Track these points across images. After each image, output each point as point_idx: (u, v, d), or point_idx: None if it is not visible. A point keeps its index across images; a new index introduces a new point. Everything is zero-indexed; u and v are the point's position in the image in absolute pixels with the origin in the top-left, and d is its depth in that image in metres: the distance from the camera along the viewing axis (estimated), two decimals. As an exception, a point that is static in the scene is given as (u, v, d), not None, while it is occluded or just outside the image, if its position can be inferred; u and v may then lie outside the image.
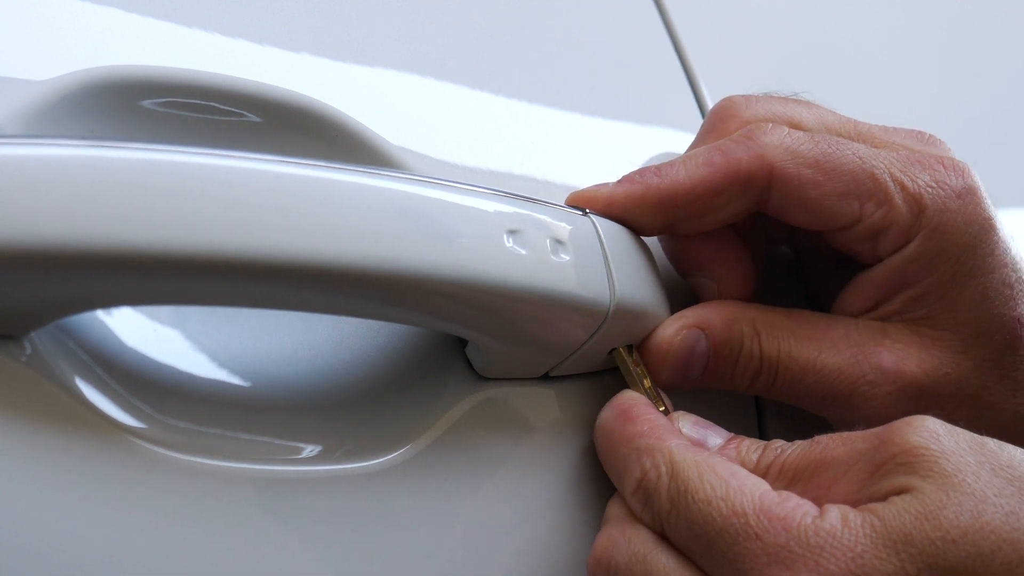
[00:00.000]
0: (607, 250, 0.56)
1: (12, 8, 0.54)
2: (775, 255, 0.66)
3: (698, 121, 0.67)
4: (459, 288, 0.52)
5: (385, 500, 0.54)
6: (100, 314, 0.53)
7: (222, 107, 0.56)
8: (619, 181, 0.59)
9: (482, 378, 0.57)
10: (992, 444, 0.51)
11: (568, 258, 0.55)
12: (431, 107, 0.62)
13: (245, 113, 0.56)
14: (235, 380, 0.55)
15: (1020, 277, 0.59)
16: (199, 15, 0.58)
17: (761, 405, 0.64)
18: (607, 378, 0.59)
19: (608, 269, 0.56)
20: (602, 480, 0.57)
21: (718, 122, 0.60)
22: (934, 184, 0.58)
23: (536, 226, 0.54)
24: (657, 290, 0.59)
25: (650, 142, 0.67)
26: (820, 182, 0.57)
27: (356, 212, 0.51)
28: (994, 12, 0.85)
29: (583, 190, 0.59)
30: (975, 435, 0.52)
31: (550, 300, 0.54)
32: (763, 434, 0.63)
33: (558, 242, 0.55)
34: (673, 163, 0.58)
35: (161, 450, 0.51)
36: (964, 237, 0.57)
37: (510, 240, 0.54)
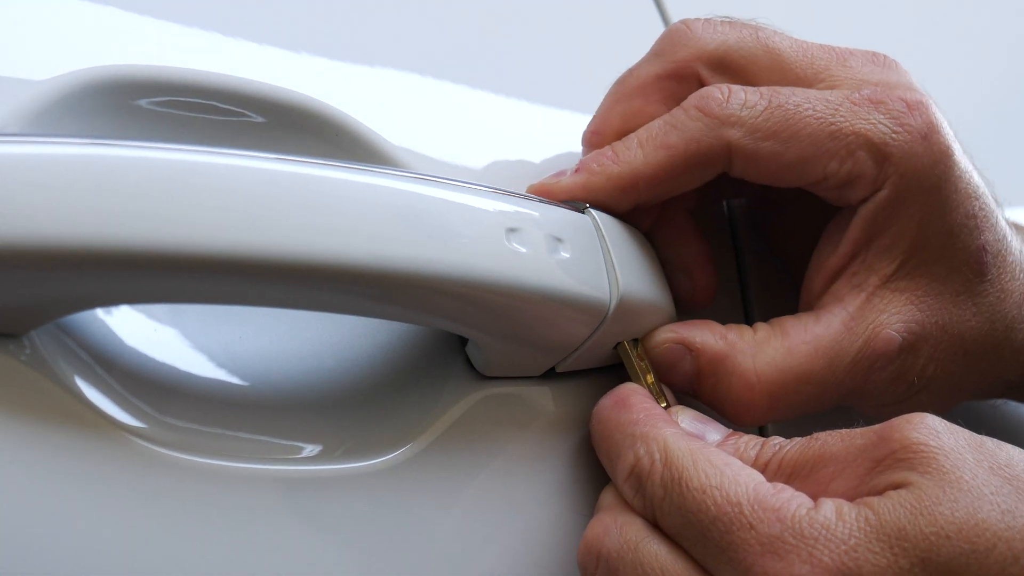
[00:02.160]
0: (609, 245, 0.56)
1: (12, 8, 0.54)
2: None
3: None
4: (458, 286, 0.52)
5: (385, 499, 0.54)
6: (100, 314, 0.53)
7: (222, 106, 0.56)
8: (576, 170, 0.58)
9: (482, 377, 0.57)
10: (990, 443, 0.51)
11: (567, 256, 0.55)
12: (431, 107, 0.62)
13: (246, 112, 0.56)
14: (235, 380, 0.55)
15: (983, 204, 0.59)
16: (199, 15, 0.58)
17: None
18: (608, 376, 0.59)
19: (610, 264, 0.56)
20: (602, 478, 0.57)
21: (669, 45, 0.60)
22: (898, 128, 0.57)
23: (535, 224, 0.54)
24: (660, 284, 0.59)
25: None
26: (780, 152, 0.57)
27: (355, 210, 0.51)
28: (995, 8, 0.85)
29: (541, 182, 0.59)
30: (974, 434, 0.52)
31: (549, 298, 0.54)
32: (762, 433, 0.63)
33: (557, 240, 0.55)
34: (629, 145, 0.58)
35: (161, 450, 0.51)
36: (929, 179, 0.57)
37: (509, 238, 0.54)
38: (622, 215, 0.58)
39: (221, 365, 0.55)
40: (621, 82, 0.60)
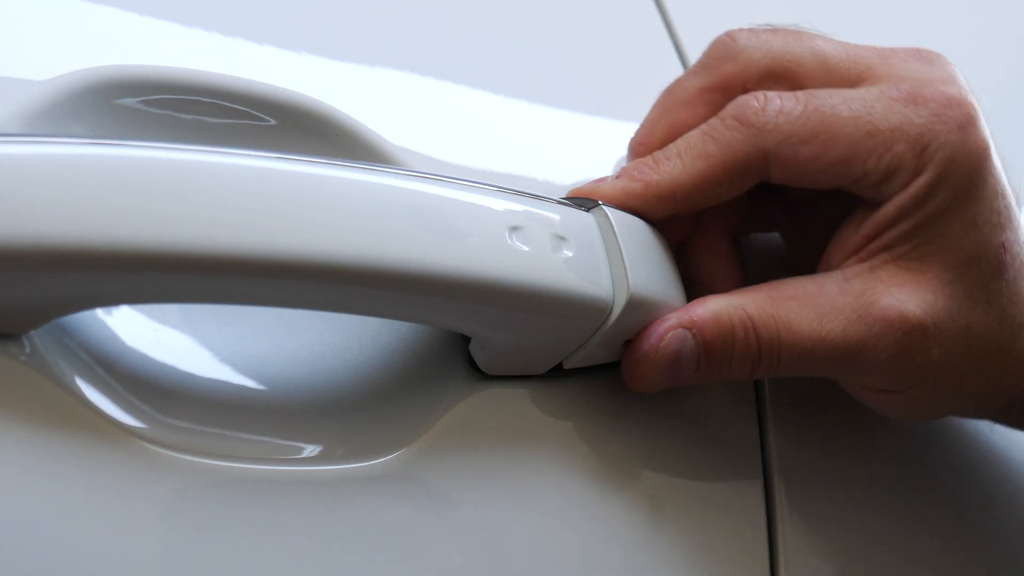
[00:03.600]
0: (620, 242, 0.56)
1: (12, 8, 0.54)
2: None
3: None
4: (461, 284, 0.52)
5: (387, 500, 0.54)
6: (100, 314, 0.53)
7: (224, 105, 0.56)
8: (617, 176, 0.59)
9: (484, 378, 0.57)
10: None
11: (570, 254, 0.55)
12: (431, 107, 0.62)
13: (247, 112, 0.56)
14: (235, 380, 0.55)
15: (1008, 203, 0.59)
16: (200, 15, 0.58)
17: (761, 399, 0.64)
18: (611, 377, 0.59)
19: (621, 260, 0.56)
20: (605, 478, 0.57)
21: (712, 61, 0.60)
22: (935, 120, 0.58)
23: (538, 222, 0.54)
24: (674, 281, 0.59)
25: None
26: (819, 154, 0.57)
27: (357, 209, 0.51)
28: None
29: (583, 187, 0.59)
30: None
31: (552, 296, 0.54)
32: (762, 433, 0.63)
33: (560, 239, 0.55)
34: (669, 155, 0.58)
35: (161, 450, 0.51)
36: (962, 169, 0.58)
37: (512, 237, 0.54)
38: (658, 224, 0.59)
39: (222, 366, 0.55)
40: (668, 93, 0.61)
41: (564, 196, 0.58)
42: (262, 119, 0.57)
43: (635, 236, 0.57)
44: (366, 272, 0.51)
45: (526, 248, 0.54)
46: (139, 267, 0.48)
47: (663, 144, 0.60)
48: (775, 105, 0.58)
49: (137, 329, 0.54)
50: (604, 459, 0.59)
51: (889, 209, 0.58)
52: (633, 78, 0.69)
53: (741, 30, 0.61)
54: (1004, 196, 0.59)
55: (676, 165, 0.58)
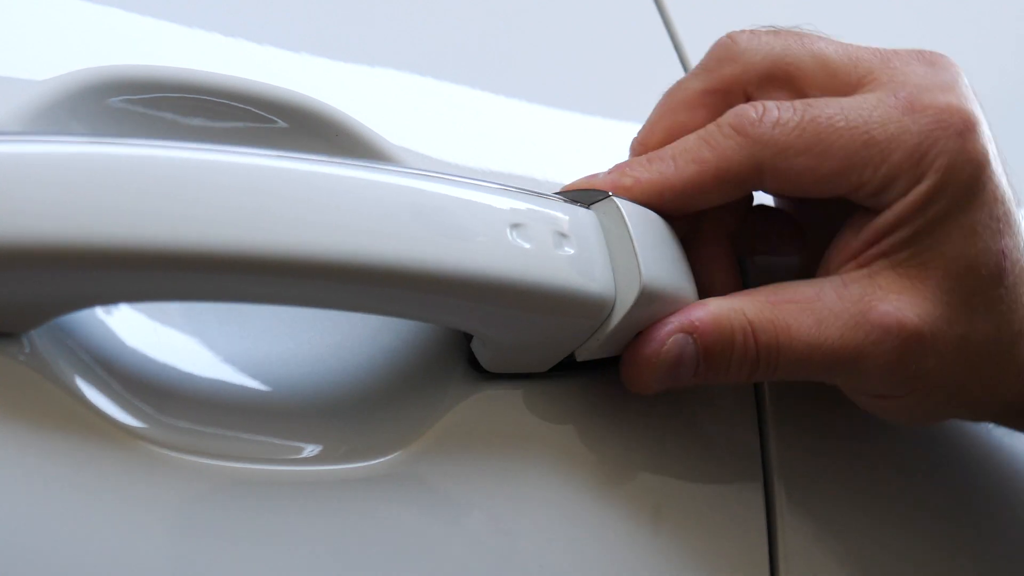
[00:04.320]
0: (632, 233, 0.56)
1: (12, 8, 0.54)
2: None
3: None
4: (461, 283, 0.52)
5: (387, 500, 0.54)
6: (100, 314, 0.53)
7: (222, 105, 0.56)
8: (609, 171, 0.59)
9: (484, 378, 0.57)
10: None
11: (572, 251, 0.55)
12: (431, 107, 0.62)
13: (249, 111, 0.56)
14: (235, 380, 0.55)
15: (1008, 209, 0.59)
16: (200, 15, 0.58)
17: (761, 400, 0.64)
18: (611, 377, 0.59)
19: (633, 252, 0.56)
20: (606, 479, 0.57)
21: (713, 63, 0.60)
22: (933, 125, 0.58)
23: (539, 220, 0.54)
24: (686, 274, 0.59)
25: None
26: (814, 166, 0.57)
27: (357, 207, 0.51)
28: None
29: (576, 182, 0.59)
30: None
31: (553, 294, 0.54)
32: (762, 434, 0.63)
33: (562, 235, 0.55)
34: (663, 156, 0.58)
35: (161, 450, 0.51)
36: (961, 176, 0.58)
37: (513, 234, 0.54)
38: None
39: (222, 366, 0.55)
40: (669, 95, 0.61)
41: (558, 192, 0.58)
42: (262, 119, 0.57)
43: (648, 228, 0.57)
44: (367, 269, 0.51)
45: (527, 245, 0.54)
46: (138, 265, 0.48)
47: (662, 145, 0.60)
48: (772, 116, 0.58)
49: (137, 329, 0.54)
50: (604, 459, 0.59)
51: (888, 216, 0.58)
52: (633, 78, 0.69)
53: (742, 32, 0.61)
54: (1004, 202, 0.59)
55: (668, 166, 0.58)
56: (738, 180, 0.58)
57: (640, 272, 0.56)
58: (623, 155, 0.62)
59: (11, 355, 0.50)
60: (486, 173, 0.61)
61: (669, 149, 0.59)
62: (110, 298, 0.51)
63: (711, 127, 0.58)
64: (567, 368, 0.58)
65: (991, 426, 0.67)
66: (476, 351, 0.57)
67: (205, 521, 0.51)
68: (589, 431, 0.58)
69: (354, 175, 0.52)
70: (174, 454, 0.51)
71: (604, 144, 0.65)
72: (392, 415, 0.56)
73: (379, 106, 0.60)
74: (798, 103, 0.58)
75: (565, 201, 0.57)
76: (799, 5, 0.74)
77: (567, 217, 0.56)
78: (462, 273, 0.52)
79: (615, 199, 0.57)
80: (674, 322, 0.57)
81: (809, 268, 0.62)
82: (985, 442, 0.67)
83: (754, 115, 0.58)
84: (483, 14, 0.66)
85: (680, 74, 0.62)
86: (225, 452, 0.52)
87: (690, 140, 0.58)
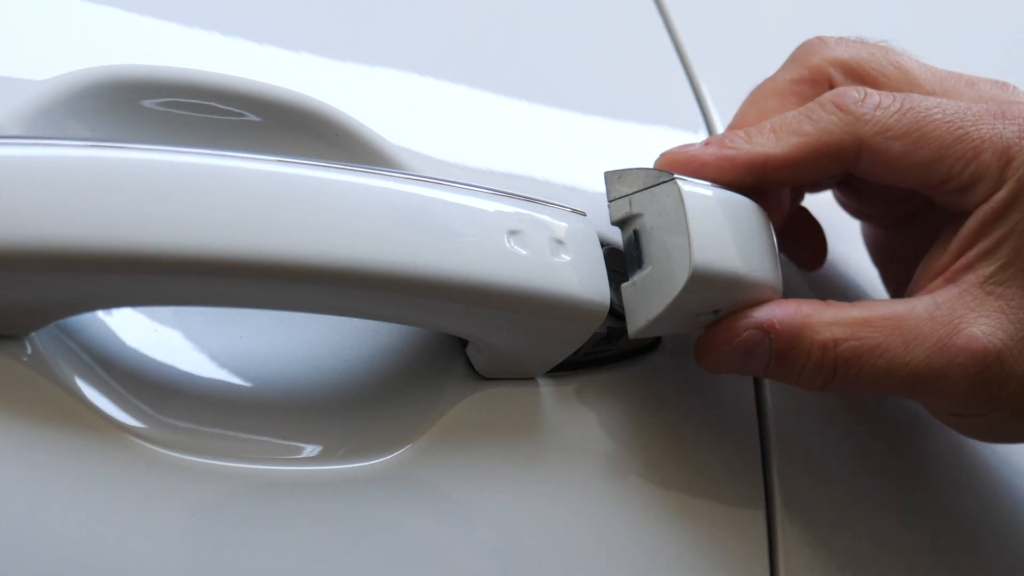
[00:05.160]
0: (688, 216, 0.56)
1: (12, 8, 0.54)
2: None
3: (698, 121, 0.67)
4: (458, 289, 0.52)
5: (386, 500, 0.54)
6: (100, 314, 0.53)
7: (222, 107, 0.56)
8: (707, 142, 0.59)
9: (482, 378, 0.57)
10: None
11: (568, 259, 0.55)
12: (431, 107, 0.62)
13: (246, 113, 0.56)
14: (235, 380, 0.55)
15: None
16: (199, 15, 0.58)
17: (761, 399, 0.64)
18: (609, 377, 0.59)
19: (687, 235, 0.55)
20: (605, 478, 0.57)
21: (803, 53, 0.62)
22: (1021, 135, 0.58)
23: (536, 226, 0.54)
24: (769, 263, 0.58)
25: (650, 142, 0.67)
26: (909, 152, 0.58)
27: (356, 212, 0.51)
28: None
29: (671, 151, 0.60)
30: None
31: (548, 301, 0.54)
32: (762, 434, 0.63)
33: (558, 242, 0.55)
34: (762, 129, 0.59)
35: (161, 450, 0.51)
36: None
37: (510, 240, 0.54)
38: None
39: (221, 366, 0.55)
40: (758, 88, 0.62)
41: (654, 163, 0.59)
42: (261, 119, 0.57)
43: (721, 213, 0.57)
44: (365, 276, 0.51)
45: (524, 252, 0.54)
46: (140, 270, 0.48)
47: None
48: (874, 99, 0.59)
49: (137, 329, 0.54)
50: (603, 459, 0.59)
51: (972, 224, 0.59)
52: (633, 78, 0.69)
53: (831, 36, 0.62)
54: None
55: (770, 138, 0.59)
56: (839, 154, 0.59)
57: (691, 256, 0.56)
58: (622, 155, 0.62)
59: (14, 356, 0.50)
60: (485, 173, 0.61)
61: (768, 123, 0.59)
62: (112, 302, 0.52)
63: (812, 104, 0.59)
64: (566, 368, 0.59)
65: None
66: (472, 357, 0.57)
67: (205, 520, 0.51)
68: (589, 431, 0.58)
69: (352, 180, 0.52)
70: (174, 454, 0.51)
71: (604, 144, 0.65)
72: (392, 415, 0.56)
73: (379, 106, 0.59)
74: (897, 93, 0.60)
75: (562, 207, 0.57)
76: (799, 6, 0.74)
77: (564, 224, 0.56)
78: (459, 279, 0.52)
79: (679, 182, 0.56)
80: (754, 317, 0.58)
81: (889, 281, 0.64)
82: (985, 443, 0.67)
83: (856, 95, 0.59)
84: (483, 14, 0.66)
85: (680, 74, 0.62)
86: (225, 452, 0.52)
87: (790, 115, 0.59)
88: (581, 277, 0.55)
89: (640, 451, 0.59)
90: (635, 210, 0.57)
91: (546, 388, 0.58)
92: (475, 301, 0.53)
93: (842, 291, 0.68)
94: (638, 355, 0.61)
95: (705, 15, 0.65)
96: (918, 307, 0.59)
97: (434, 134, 0.60)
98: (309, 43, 0.60)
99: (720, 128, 0.67)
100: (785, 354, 0.58)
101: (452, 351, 0.58)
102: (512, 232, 0.54)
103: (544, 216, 0.55)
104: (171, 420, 0.52)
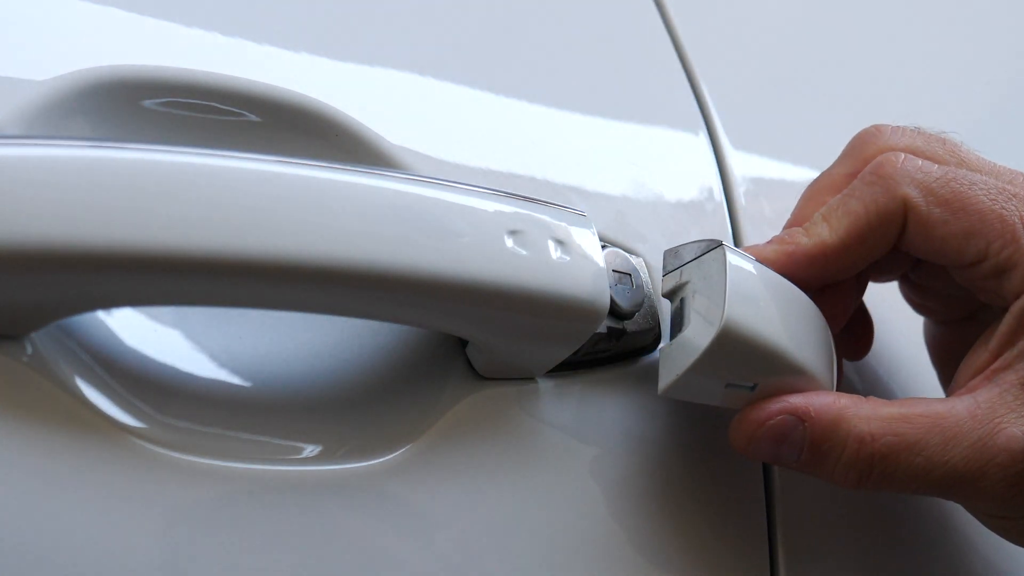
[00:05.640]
0: (728, 278, 0.56)
1: (12, 8, 0.54)
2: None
3: (699, 121, 0.67)
4: (459, 289, 0.52)
5: (386, 500, 0.54)
6: (100, 314, 0.53)
7: (223, 107, 0.56)
8: (769, 241, 0.60)
9: (482, 378, 0.57)
10: None
11: (568, 259, 0.55)
12: (431, 107, 0.62)
13: (245, 113, 0.56)
14: (235, 380, 0.55)
15: None
16: (199, 15, 0.58)
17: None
18: (607, 377, 0.59)
19: (724, 294, 0.55)
20: (604, 479, 0.57)
21: (859, 144, 0.61)
22: None
23: (536, 226, 0.54)
24: (822, 355, 0.58)
25: (650, 142, 0.67)
26: (948, 220, 0.58)
27: (357, 213, 0.51)
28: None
29: (747, 249, 0.59)
30: None
31: (549, 301, 0.54)
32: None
33: (559, 243, 0.55)
34: (815, 221, 0.59)
35: (161, 450, 0.51)
36: None
37: (511, 241, 0.54)
38: (818, 290, 0.60)
39: (221, 366, 0.55)
40: (815, 182, 0.62)
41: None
42: (261, 119, 0.57)
43: (760, 283, 0.57)
44: (365, 276, 0.51)
45: (524, 252, 0.54)
46: (140, 270, 0.48)
47: None
48: (914, 162, 0.59)
49: (137, 329, 0.54)
50: (603, 459, 0.59)
51: (1010, 320, 0.58)
52: (633, 78, 0.69)
53: (887, 125, 0.61)
54: None
55: (823, 227, 0.59)
56: (888, 219, 0.58)
57: (724, 311, 0.55)
58: (622, 154, 0.62)
59: (14, 357, 0.50)
60: (486, 172, 0.61)
61: (818, 214, 0.59)
62: (112, 302, 0.52)
63: (854, 183, 0.59)
64: (566, 368, 0.59)
65: None
66: (471, 357, 0.57)
67: (204, 521, 0.51)
68: (588, 431, 0.58)
69: (352, 180, 0.52)
70: (174, 454, 0.51)
71: (604, 144, 0.65)
72: (392, 415, 0.56)
73: (379, 106, 0.59)
74: (939, 165, 0.59)
75: (562, 207, 0.57)
76: (800, 7, 0.74)
77: (564, 224, 0.56)
78: (459, 279, 0.52)
79: (726, 247, 0.57)
80: (790, 401, 0.57)
81: (945, 379, 0.64)
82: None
83: (895, 159, 0.59)
84: (483, 14, 0.66)
85: (680, 74, 0.62)
86: (225, 452, 0.52)
87: (835, 200, 0.59)
88: (581, 277, 0.55)
89: (640, 451, 0.59)
90: (684, 279, 0.58)
91: (546, 388, 0.58)
92: (475, 301, 0.53)
93: (886, 388, 0.67)
94: (638, 355, 0.61)
95: (705, 15, 0.65)
96: (958, 406, 0.58)
97: (434, 134, 0.60)
98: (309, 43, 0.60)
99: (720, 129, 0.67)
100: (819, 444, 0.57)
101: (452, 351, 0.58)
102: (512, 232, 0.54)
103: (544, 216, 0.55)
104: (171, 420, 0.52)
